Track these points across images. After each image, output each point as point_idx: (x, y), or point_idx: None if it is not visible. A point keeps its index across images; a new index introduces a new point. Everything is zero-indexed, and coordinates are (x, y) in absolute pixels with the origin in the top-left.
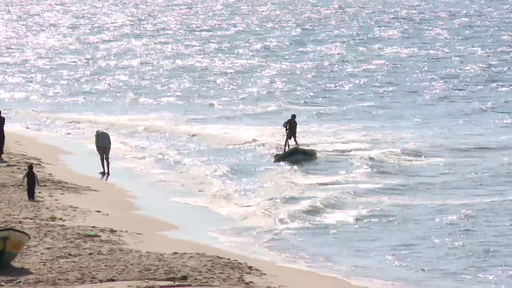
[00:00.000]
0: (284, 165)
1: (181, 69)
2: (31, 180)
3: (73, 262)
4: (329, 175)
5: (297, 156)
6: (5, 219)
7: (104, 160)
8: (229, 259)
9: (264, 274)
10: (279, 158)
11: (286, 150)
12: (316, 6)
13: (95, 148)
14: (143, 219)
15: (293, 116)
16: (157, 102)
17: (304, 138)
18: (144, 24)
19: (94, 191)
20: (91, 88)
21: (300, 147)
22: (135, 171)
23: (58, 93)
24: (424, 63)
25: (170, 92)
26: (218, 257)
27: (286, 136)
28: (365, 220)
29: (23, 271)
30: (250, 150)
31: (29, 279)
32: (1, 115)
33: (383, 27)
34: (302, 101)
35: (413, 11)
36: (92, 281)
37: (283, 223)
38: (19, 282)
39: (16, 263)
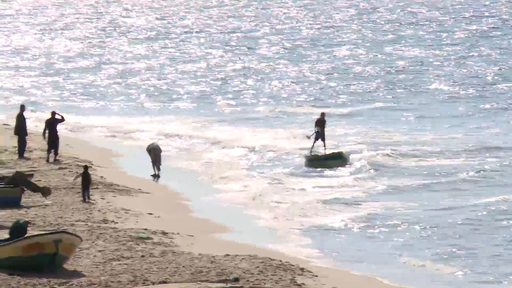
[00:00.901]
0: (318, 169)
1: (194, 72)
2: (86, 181)
3: (126, 264)
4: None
5: (336, 162)
6: (58, 222)
7: (156, 163)
8: (281, 261)
9: (316, 276)
10: (313, 161)
11: (312, 151)
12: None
13: (147, 152)
14: (195, 221)
15: (322, 115)
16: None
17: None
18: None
19: (145, 193)
20: (123, 90)
21: (340, 150)
22: (186, 173)
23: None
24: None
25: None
26: (270, 259)
27: (313, 137)
28: (420, 225)
29: (76, 274)
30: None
31: (81, 282)
32: (56, 117)
33: (399, 28)
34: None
35: (432, 13)
36: (144, 283)
37: (333, 226)
38: (72, 284)
39: (68, 265)
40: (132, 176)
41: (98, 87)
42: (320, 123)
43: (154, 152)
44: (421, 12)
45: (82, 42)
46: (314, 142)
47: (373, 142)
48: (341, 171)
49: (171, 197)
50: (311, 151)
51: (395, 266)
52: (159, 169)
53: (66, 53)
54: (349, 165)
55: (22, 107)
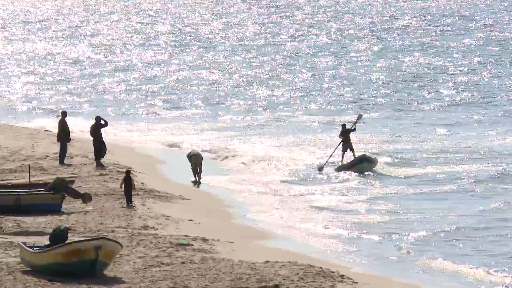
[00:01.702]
0: (346, 175)
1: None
2: (128, 185)
3: (165, 271)
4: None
5: (363, 165)
6: (98, 228)
7: (197, 170)
8: (321, 267)
9: (356, 283)
10: (342, 168)
11: (343, 161)
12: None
13: (187, 159)
14: (237, 228)
15: (343, 126)
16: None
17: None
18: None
19: (186, 199)
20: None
21: (366, 154)
22: (226, 181)
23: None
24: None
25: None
26: (310, 265)
27: (342, 148)
28: (465, 229)
29: (116, 280)
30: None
31: None
32: (100, 122)
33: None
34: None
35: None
36: None
37: (376, 234)
38: None
39: (108, 272)
40: (173, 182)
41: (131, 93)
42: (344, 134)
43: (195, 159)
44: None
45: (105, 49)
46: (343, 154)
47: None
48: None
49: (212, 203)
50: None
51: (439, 275)
52: (200, 176)
53: (91, 59)
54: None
55: (64, 114)
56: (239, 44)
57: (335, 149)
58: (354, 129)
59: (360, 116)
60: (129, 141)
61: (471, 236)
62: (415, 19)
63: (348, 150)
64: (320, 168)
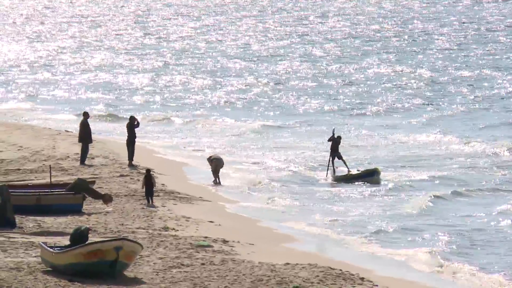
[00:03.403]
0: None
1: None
2: (149, 183)
3: (186, 272)
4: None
5: (378, 177)
6: (118, 229)
7: (217, 173)
8: (341, 270)
9: (376, 286)
10: (347, 179)
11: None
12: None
13: (208, 162)
14: (258, 230)
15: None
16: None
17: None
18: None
19: (206, 201)
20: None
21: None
22: (248, 182)
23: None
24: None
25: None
26: (330, 268)
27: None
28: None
29: (136, 281)
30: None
31: None
32: (135, 122)
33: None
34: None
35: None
36: None
37: (390, 233)
38: None
39: (129, 272)
40: (194, 184)
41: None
42: (334, 143)
43: (216, 162)
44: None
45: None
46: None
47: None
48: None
49: (232, 205)
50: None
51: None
52: (219, 180)
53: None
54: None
55: (86, 114)
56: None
57: (331, 157)
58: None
59: (333, 130)
60: (149, 143)
61: (494, 243)
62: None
63: (337, 159)
64: (336, 179)
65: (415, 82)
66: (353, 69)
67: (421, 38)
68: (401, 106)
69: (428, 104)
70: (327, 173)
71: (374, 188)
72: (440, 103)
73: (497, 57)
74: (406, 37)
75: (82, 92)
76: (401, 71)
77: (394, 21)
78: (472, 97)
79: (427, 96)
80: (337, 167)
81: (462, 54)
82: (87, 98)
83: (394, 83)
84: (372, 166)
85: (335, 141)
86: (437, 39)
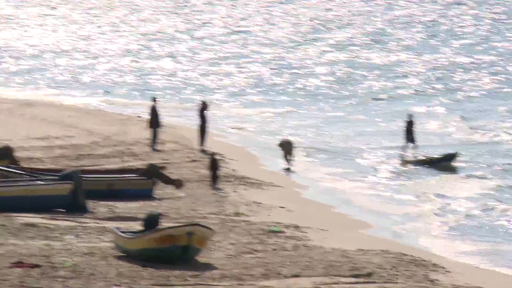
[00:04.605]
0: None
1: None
2: (214, 167)
3: (258, 257)
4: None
5: (452, 162)
6: (190, 214)
7: (288, 157)
8: (413, 256)
9: (449, 272)
10: (425, 163)
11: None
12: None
13: (279, 146)
14: (332, 216)
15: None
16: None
17: None
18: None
19: (278, 186)
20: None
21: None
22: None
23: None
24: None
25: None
26: (403, 254)
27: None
28: None
29: (208, 266)
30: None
31: (214, 274)
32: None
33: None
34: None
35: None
36: (276, 277)
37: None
38: (205, 277)
39: (201, 258)
40: (264, 169)
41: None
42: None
43: (287, 146)
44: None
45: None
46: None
47: None
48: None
49: (304, 191)
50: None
51: None
52: (291, 163)
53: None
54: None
55: (155, 100)
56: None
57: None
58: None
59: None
60: (219, 129)
61: None
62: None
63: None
64: (417, 163)
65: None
66: None
67: None
68: None
69: None
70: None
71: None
72: None
73: None
74: None
75: (152, 80)
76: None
77: None
78: None
79: None
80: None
81: None
82: (156, 86)
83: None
84: (450, 151)
85: (409, 124)
86: None
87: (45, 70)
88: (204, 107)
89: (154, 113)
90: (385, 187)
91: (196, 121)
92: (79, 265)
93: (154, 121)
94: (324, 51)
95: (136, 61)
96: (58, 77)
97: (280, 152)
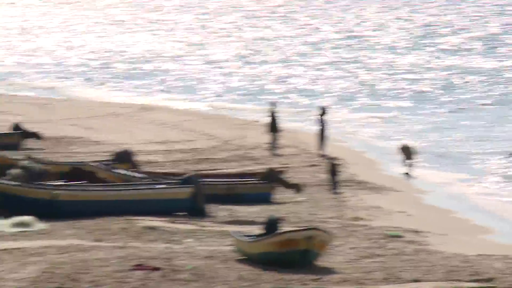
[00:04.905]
0: None
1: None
2: (334, 172)
3: (378, 262)
4: None
5: None
6: (310, 219)
7: (407, 162)
8: None
9: None
10: None
11: None
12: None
13: (399, 151)
14: (453, 221)
15: None
16: None
17: None
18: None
19: (397, 191)
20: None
21: None
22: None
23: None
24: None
25: None
26: None
27: None
28: None
29: (328, 270)
30: None
31: (334, 278)
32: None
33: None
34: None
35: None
36: (396, 281)
37: None
38: (324, 281)
39: (320, 262)
40: (384, 174)
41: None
42: None
43: (407, 151)
44: None
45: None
46: None
47: None
48: None
49: (425, 196)
50: None
51: None
52: (411, 169)
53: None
54: None
55: (274, 104)
56: None
57: None
58: None
59: None
60: (337, 133)
61: None
62: None
63: None
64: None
65: None
66: None
67: None
68: None
69: None
70: None
71: None
72: None
73: None
74: None
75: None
76: None
77: None
78: None
79: None
80: None
81: None
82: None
83: None
84: None
85: None
86: None
87: (156, 76)
88: (323, 112)
89: (273, 117)
90: (507, 192)
91: (315, 126)
92: (199, 268)
93: (273, 126)
94: (435, 56)
95: (247, 67)
96: (169, 83)
97: (400, 157)
